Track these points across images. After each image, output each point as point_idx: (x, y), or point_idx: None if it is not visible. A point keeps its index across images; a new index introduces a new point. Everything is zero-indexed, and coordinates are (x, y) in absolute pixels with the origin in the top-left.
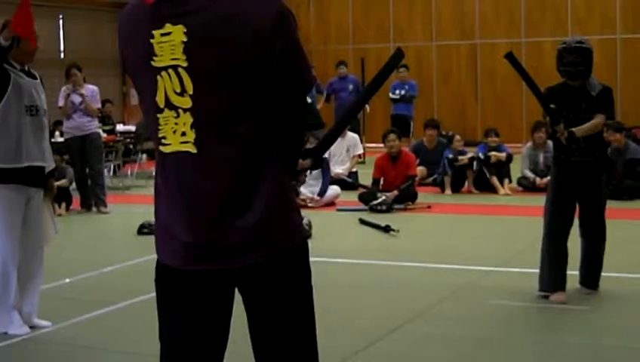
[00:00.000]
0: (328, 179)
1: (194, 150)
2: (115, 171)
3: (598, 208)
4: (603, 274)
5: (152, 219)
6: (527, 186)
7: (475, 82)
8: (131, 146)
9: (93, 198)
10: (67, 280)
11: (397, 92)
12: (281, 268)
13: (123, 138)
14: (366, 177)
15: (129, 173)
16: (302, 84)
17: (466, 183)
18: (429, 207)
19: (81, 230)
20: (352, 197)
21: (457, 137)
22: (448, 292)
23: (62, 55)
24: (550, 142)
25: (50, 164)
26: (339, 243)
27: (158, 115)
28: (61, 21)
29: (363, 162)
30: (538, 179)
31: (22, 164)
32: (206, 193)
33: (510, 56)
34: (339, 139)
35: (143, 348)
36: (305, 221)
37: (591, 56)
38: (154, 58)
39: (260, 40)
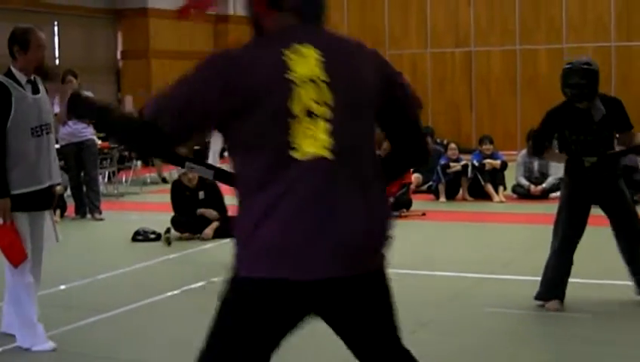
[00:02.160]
0: None
1: (330, 156)
2: (109, 178)
3: (628, 215)
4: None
5: (146, 226)
6: (521, 194)
7: (470, 90)
8: (126, 153)
9: (87, 205)
10: (62, 287)
11: None
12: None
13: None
14: None
15: (123, 180)
16: (414, 98)
17: (461, 191)
18: (423, 214)
19: (75, 237)
20: None
21: (452, 145)
22: (444, 299)
23: (57, 62)
24: None
25: (56, 179)
26: None
27: (293, 123)
28: (56, 28)
29: None
30: (533, 187)
31: (31, 188)
32: (341, 199)
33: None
34: None
35: (134, 355)
36: None
37: (597, 77)
38: (288, 71)
39: (374, 69)
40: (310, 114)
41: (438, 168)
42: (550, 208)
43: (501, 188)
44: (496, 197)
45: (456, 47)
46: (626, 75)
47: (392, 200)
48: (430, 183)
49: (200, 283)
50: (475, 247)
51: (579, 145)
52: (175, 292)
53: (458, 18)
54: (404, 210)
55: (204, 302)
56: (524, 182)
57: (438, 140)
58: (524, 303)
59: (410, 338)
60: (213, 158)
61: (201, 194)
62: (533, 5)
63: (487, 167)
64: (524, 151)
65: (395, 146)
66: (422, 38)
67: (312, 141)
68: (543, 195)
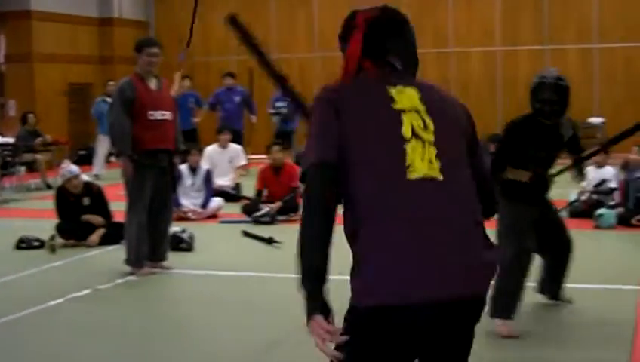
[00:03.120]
0: (211, 191)
1: (440, 177)
2: None
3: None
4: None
5: (30, 233)
6: None
7: None
8: (9, 159)
9: None
10: None
11: (278, 105)
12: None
13: (1, 150)
14: (249, 189)
15: (7, 186)
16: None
17: None
18: None
19: None
20: (235, 209)
21: None
22: (334, 304)
23: None
24: None
25: None
26: (222, 255)
27: (405, 146)
28: None
29: (247, 173)
30: None
31: None
32: (452, 219)
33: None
34: (220, 150)
35: None
36: (187, 234)
37: (568, 94)
38: (394, 103)
39: (462, 113)
40: (418, 137)
41: None
42: None
43: None
44: None
45: None
46: (512, 77)
47: (279, 204)
48: None
49: (85, 291)
50: None
51: (537, 163)
52: (59, 300)
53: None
54: (293, 214)
55: (89, 310)
56: None
57: None
58: None
59: (302, 343)
60: (98, 162)
61: (86, 200)
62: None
63: None
64: None
65: None
66: (310, 41)
67: (425, 163)
68: None
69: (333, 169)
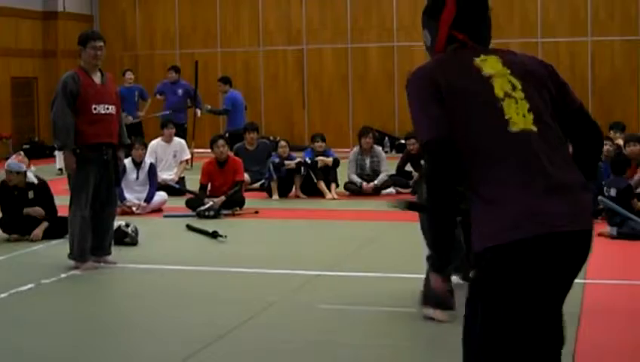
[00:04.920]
0: (155, 185)
1: (535, 128)
2: None
3: None
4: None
5: None
6: (354, 191)
7: (302, 88)
8: None
9: None
10: None
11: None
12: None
13: None
14: (193, 183)
15: None
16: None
17: (294, 188)
18: (256, 212)
19: None
20: (180, 203)
21: (282, 143)
22: (277, 297)
23: None
24: (377, 147)
25: None
26: (166, 250)
27: (502, 104)
28: None
29: (190, 168)
30: (365, 184)
31: None
32: (551, 162)
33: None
34: (164, 144)
35: None
36: (131, 228)
37: None
38: (482, 70)
39: (542, 67)
40: (511, 97)
41: (270, 166)
42: (381, 205)
43: (333, 185)
44: (328, 195)
45: (289, 46)
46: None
47: (223, 198)
48: (262, 181)
49: (29, 286)
50: (309, 244)
51: None
52: (2, 295)
53: (290, 16)
54: (238, 208)
55: (32, 305)
56: (356, 179)
57: (271, 138)
58: (357, 299)
59: (243, 337)
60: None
61: (31, 194)
62: (364, 4)
63: (320, 165)
64: (355, 149)
65: (573, 140)
66: (254, 36)
67: (521, 117)
68: (375, 192)
69: (448, 143)
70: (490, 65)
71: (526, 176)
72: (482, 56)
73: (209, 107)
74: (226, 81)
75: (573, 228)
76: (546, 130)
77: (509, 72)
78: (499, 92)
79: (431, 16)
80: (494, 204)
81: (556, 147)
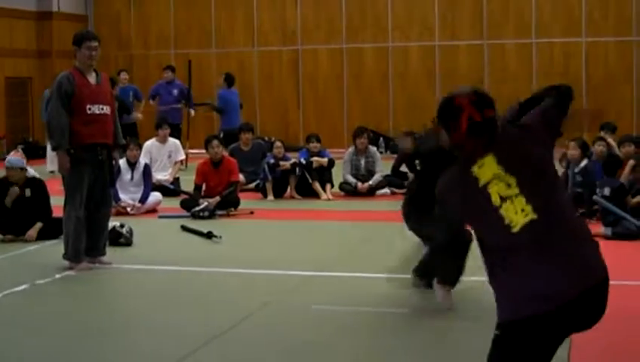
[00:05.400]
0: (150, 186)
1: (535, 216)
2: None
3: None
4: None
5: None
6: (349, 191)
7: (297, 88)
8: None
9: None
10: None
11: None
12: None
13: None
14: (188, 183)
15: None
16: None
17: (289, 189)
18: (251, 212)
19: None
20: (174, 203)
21: (277, 143)
22: (272, 298)
23: None
24: (372, 148)
25: None
26: (161, 250)
27: (500, 211)
28: None
29: (185, 168)
30: (360, 184)
31: None
32: (554, 241)
33: None
34: (159, 144)
35: None
36: (126, 228)
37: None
38: (479, 181)
39: (529, 144)
40: (505, 199)
41: (265, 166)
42: (376, 205)
43: (328, 185)
44: (323, 195)
45: (284, 46)
46: (451, 71)
47: (218, 198)
48: (257, 182)
49: (23, 286)
50: (304, 245)
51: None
52: None
53: (285, 17)
54: (232, 209)
55: (27, 306)
56: (351, 179)
57: (266, 138)
58: (352, 300)
59: (239, 336)
60: (50, 158)
61: (28, 192)
62: (359, 4)
63: (315, 165)
64: (350, 149)
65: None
66: (249, 36)
67: (520, 215)
68: (370, 192)
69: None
70: (486, 170)
71: (535, 260)
72: (479, 161)
73: (209, 101)
74: (226, 78)
75: (585, 287)
76: (546, 211)
77: (503, 170)
78: (496, 200)
79: (443, 121)
80: (509, 285)
81: (558, 223)
